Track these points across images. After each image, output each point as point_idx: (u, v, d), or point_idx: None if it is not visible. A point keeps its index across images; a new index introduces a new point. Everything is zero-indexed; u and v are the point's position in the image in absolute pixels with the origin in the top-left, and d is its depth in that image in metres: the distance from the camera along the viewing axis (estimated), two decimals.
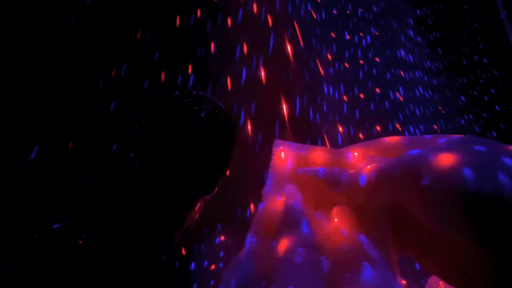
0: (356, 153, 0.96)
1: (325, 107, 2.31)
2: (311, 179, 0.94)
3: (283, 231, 0.88)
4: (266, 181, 1.06)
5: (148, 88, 1.68)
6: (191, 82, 1.78)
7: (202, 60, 1.91)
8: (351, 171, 0.91)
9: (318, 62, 2.38)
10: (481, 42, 3.12)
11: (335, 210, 0.89)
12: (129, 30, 1.73)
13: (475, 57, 3.12)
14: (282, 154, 1.04)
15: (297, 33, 2.24)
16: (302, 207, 0.92)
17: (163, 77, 1.73)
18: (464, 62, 3.12)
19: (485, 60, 3.09)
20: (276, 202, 0.98)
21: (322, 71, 2.38)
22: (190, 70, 1.80)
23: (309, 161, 0.99)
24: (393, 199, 0.79)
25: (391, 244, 0.80)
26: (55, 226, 1.12)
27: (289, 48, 2.16)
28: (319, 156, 0.97)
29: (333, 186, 0.95)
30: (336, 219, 0.86)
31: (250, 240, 0.94)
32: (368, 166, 0.86)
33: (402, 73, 2.91)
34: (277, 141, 1.08)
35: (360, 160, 0.91)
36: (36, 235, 1.12)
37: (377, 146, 0.99)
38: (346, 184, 0.90)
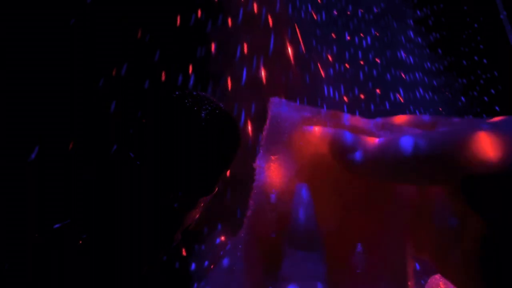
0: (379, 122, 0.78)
1: (325, 108, 2.30)
2: (318, 144, 0.73)
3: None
4: (260, 148, 0.89)
5: (148, 88, 1.69)
6: (191, 82, 1.78)
7: (203, 60, 1.91)
8: (377, 139, 0.70)
9: (318, 62, 2.38)
10: (481, 42, 3.12)
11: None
12: (129, 30, 1.73)
13: (475, 58, 3.12)
14: (281, 114, 0.83)
15: (297, 34, 2.24)
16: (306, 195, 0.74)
17: (163, 77, 1.74)
18: (464, 62, 3.13)
19: (485, 61, 3.09)
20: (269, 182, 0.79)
21: (322, 72, 2.38)
22: (190, 70, 1.80)
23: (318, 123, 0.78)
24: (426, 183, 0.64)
25: (408, 245, 0.70)
26: (56, 226, 1.12)
27: (289, 48, 2.16)
28: (329, 120, 0.78)
29: (347, 154, 0.66)
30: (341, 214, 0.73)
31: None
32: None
33: (402, 74, 2.91)
34: (274, 100, 0.86)
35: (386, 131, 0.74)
36: (36, 235, 1.12)
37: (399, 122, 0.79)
38: (369, 154, 0.65)
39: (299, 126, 0.74)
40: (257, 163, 0.73)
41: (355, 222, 0.66)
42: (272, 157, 0.72)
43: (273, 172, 0.69)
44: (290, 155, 0.74)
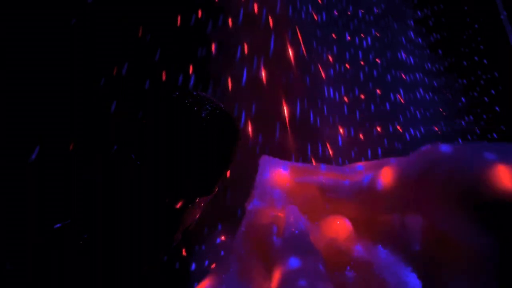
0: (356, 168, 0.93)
1: (325, 109, 2.30)
2: (307, 188, 0.91)
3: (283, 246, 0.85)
4: (253, 198, 1.03)
5: (149, 88, 1.69)
6: (192, 82, 1.78)
7: (203, 61, 1.91)
8: (356, 178, 0.88)
9: (318, 63, 2.38)
10: (482, 43, 3.12)
11: (332, 221, 0.87)
12: (129, 30, 1.73)
13: (475, 58, 3.11)
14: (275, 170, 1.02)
15: (297, 34, 2.24)
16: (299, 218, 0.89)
17: (164, 77, 1.74)
18: (465, 63, 3.12)
19: (485, 61, 3.09)
20: (265, 215, 0.96)
21: (322, 72, 2.38)
22: (191, 71, 1.80)
23: (305, 174, 0.97)
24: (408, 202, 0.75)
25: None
26: (56, 226, 1.12)
27: (289, 49, 2.16)
28: (314, 170, 0.95)
29: (334, 193, 0.90)
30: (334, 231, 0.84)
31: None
32: (381, 170, 0.82)
33: (402, 74, 2.90)
34: (264, 157, 1.06)
35: (358, 173, 0.88)
36: (36, 235, 1.12)
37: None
38: (352, 189, 0.87)
39: (285, 177, 0.95)
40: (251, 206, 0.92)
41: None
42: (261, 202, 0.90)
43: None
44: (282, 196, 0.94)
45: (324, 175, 0.95)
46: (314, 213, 0.93)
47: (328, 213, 0.93)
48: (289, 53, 2.17)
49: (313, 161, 1.94)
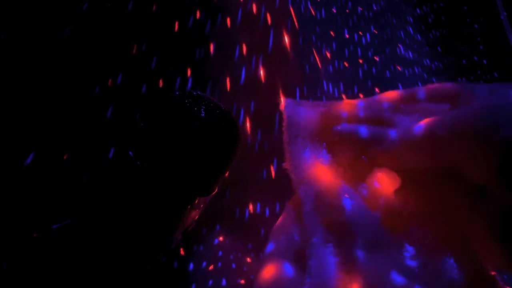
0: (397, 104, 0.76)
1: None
2: (347, 139, 0.74)
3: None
4: (291, 147, 0.83)
5: (148, 89, 1.68)
6: (190, 82, 1.77)
7: (201, 61, 1.90)
8: (403, 127, 0.73)
9: (318, 60, 2.38)
10: (481, 43, 3.12)
11: (377, 174, 0.70)
12: (128, 30, 1.72)
13: (475, 58, 3.11)
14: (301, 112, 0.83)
15: (296, 32, 2.24)
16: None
17: (162, 77, 1.73)
18: (464, 62, 3.12)
19: (485, 62, 3.09)
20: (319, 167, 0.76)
21: (321, 70, 2.38)
22: (189, 71, 1.80)
23: (337, 117, 0.78)
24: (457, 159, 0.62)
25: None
26: (55, 226, 1.13)
27: (288, 47, 2.16)
28: (348, 110, 0.77)
29: (377, 145, 0.73)
30: (377, 184, 0.69)
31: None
32: (426, 119, 0.69)
33: (401, 72, 2.90)
34: (288, 101, 0.86)
35: (404, 113, 0.72)
36: (35, 235, 1.12)
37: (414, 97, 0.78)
38: (397, 141, 0.71)
39: (317, 122, 0.78)
40: (290, 164, 0.76)
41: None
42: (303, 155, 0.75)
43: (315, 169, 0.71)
44: (320, 149, 0.77)
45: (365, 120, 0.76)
46: (358, 171, 0.77)
47: (372, 167, 0.77)
48: (287, 52, 2.16)
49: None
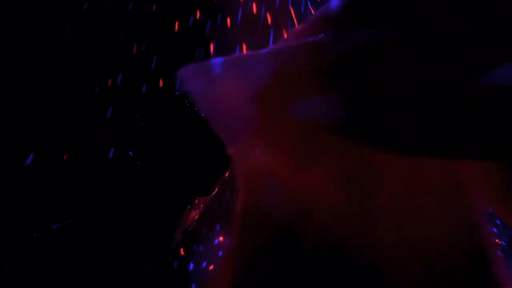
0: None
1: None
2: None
3: None
4: None
5: (148, 90, 1.68)
6: None
7: (201, 61, 1.90)
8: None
9: None
10: None
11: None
12: (128, 30, 1.72)
13: None
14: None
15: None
16: None
17: (162, 77, 1.73)
18: None
19: None
20: None
21: None
22: None
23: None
24: None
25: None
26: (55, 226, 1.13)
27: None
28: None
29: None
30: None
31: None
32: None
33: None
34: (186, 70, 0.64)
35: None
36: (35, 235, 1.12)
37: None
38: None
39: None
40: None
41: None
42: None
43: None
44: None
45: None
46: None
47: None
48: None
49: None
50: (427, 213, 0.55)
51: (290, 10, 2.23)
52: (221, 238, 1.71)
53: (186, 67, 0.63)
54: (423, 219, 0.55)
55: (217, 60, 0.61)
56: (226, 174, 1.25)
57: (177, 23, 1.81)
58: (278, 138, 0.57)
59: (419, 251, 0.54)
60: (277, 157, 0.57)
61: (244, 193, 0.61)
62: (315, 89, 0.52)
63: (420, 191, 0.56)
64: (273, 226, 0.58)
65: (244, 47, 1.95)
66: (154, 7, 1.77)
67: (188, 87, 0.62)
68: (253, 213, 0.61)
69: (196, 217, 1.27)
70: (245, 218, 0.62)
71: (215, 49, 1.90)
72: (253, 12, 2.02)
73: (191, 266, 1.61)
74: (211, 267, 1.60)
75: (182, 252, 1.44)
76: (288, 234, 0.57)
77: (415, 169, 0.54)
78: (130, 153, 1.17)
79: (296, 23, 2.25)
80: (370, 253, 0.54)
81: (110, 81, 1.64)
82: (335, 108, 0.51)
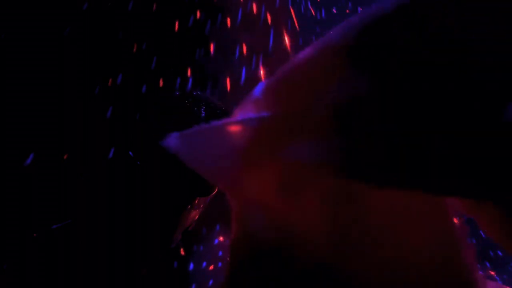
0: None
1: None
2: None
3: None
4: None
5: (147, 90, 1.69)
6: (190, 83, 1.77)
7: (201, 61, 1.90)
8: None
9: None
10: None
11: None
12: (128, 30, 1.73)
13: None
14: None
15: (296, 32, 2.24)
16: None
17: (162, 77, 1.74)
18: None
19: None
20: None
21: None
22: (189, 71, 1.80)
23: None
24: None
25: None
26: (55, 226, 1.13)
27: (288, 47, 2.16)
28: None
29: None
30: None
31: None
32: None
33: None
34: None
35: None
36: (35, 235, 1.12)
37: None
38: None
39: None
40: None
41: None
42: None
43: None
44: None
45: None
46: None
47: None
48: (288, 51, 2.16)
49: None
50: (413, 239, 0.56)
51: (290, 10, 2.23)
52: (221, 238, 1.71)
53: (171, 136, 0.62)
54: (408, 244, 0.56)
55: (198, 129, 0.61)
56: None
57: (177, 23, 1.81)
58: (265, 174, 0.58)
59: (404, 276, 0.55)
60: (264, 188, 0.59)
61: (235, 221, 0.62)
62: (310, 135, 0.54)
63: (407, 216, 0.57)
64: (261, 252, 0.59)
65: (244, 47, 1.95)
66: (154, 7, 1.77)
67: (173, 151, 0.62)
68: (243, 241, 0.62)
69: (196, 217, 1.27)
70: (235, 246, 0.62)
71: (215, 49, 1.91)
72: (253, 12, 2.03)
73: (191, 266, 1.61)
74: (211, 267, 1.60)
75: (182, 252, 1.45)
76: (276, 260, 0.58)
77: (401, 194, 0.54)
78: (130, 153, 1.17)
79: (296, 23, 2.25)
80: (357, 277, 0.56)
81: (110, 81, 1.64)
82: (332, 154, 0.52)
